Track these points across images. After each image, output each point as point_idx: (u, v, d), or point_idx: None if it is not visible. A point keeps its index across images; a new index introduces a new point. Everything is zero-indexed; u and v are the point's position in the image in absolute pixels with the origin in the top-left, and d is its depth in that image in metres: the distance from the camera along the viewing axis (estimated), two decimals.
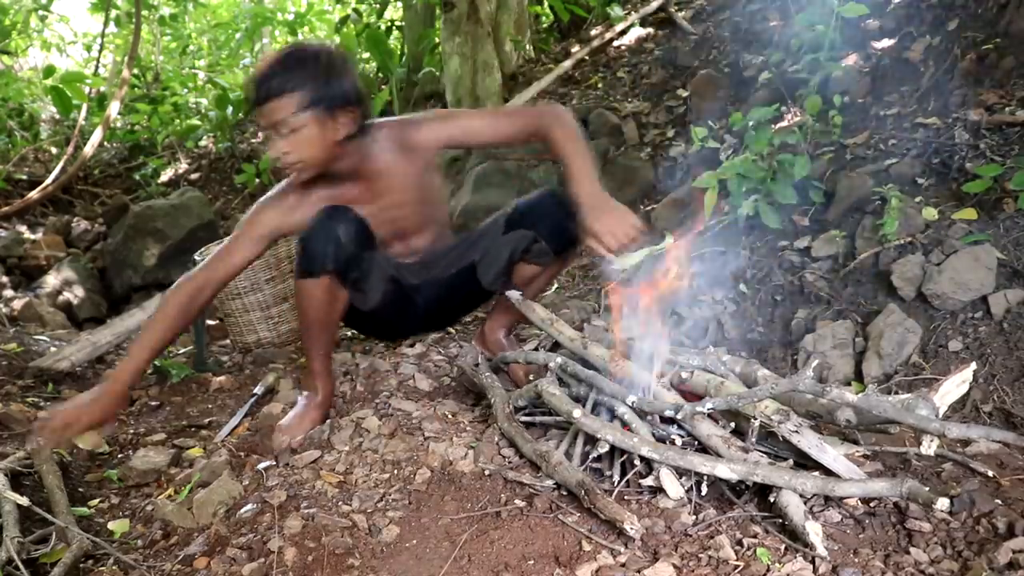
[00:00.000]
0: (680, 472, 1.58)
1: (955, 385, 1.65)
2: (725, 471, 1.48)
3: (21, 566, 1.42)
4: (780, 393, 1.57)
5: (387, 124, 2.00)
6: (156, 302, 3.09)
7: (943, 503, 1.33)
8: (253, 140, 6.67)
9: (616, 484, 1.63)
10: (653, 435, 1.65)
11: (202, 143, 6.83)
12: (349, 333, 3.00)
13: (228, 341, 3.09)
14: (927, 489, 1.37)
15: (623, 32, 5.34)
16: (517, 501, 1.62)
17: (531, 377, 2.13)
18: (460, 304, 2.40)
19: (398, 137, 1.98)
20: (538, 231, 2.09)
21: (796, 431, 1.52)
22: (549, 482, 1.66)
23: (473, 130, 2.02)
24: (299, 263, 1.91)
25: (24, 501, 1.52)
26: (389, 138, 1.97)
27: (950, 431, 1.47)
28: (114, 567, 1.44)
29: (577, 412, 1.68)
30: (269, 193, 2.00)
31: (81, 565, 1.52)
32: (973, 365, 1.67)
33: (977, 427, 1.54)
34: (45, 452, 1.72)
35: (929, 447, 1.50)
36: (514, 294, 2.13)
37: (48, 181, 5.62)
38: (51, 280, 4.49)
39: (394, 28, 6.61)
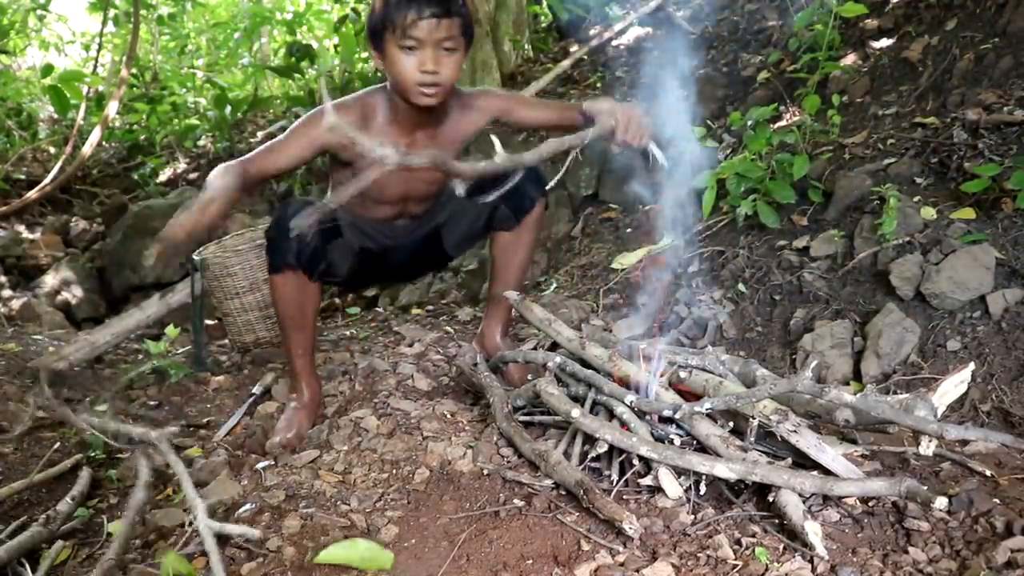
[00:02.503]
0: (679, 471, 1.58)
1: (953, 385, 1.65)
2: (724, 470, 1.49)
3: None
4: (779, 393, 1.57)
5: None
6: (155, 303, 3.09)
7: (941, 502, 1.33)
8: (252, 140, 6.67)
9: (615, 483, 1.63)
10: (652, 435, 1.65)
11: (200, 143, 6.82)
12: (348, 332, 3.00)
13: (227, 341, 3.09)
14: (925, 488, 1.37)
15: (622, 31, 5.34)
16: (516, 500, 1.62)
17: (529, 377, 2.13)
18: (426, 264, 2.39)
19: (461, 99, 1.99)
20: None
21: (795, 431, 1.53)
22: (548, 481, 1.66)
23: (524, 108, 2.06)
24: (267, 260, 1.92)
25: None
26: (455, 97, 1.97)
27: (948, 432, 1.47)
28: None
29: (576, 412, 1.68)
30: (335, 102, 1.95)
31: (79, 563, 1.52)
32: (971, 365, 1.67)
33: (975, 429, 1.54)
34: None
35: (927, 447, 1.50)
36: (512, 294, 2.13)
37: (46, 181, 5.61)
38: (49, 280, 4.48)
39: None
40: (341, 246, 2.03)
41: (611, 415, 1.75)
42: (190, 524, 1.50)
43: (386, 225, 2.13)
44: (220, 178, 1.75)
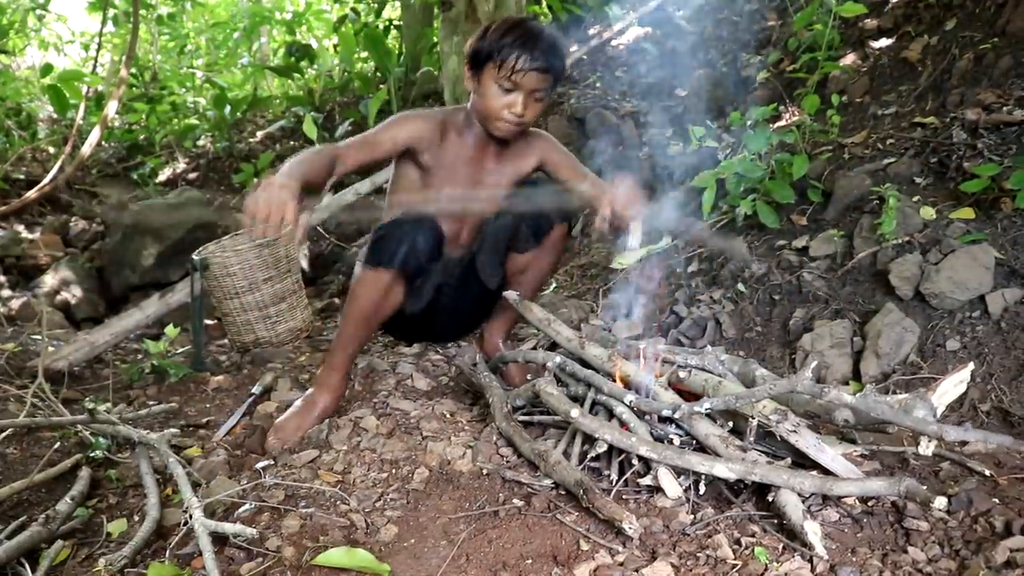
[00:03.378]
0: (678, 471, 1.58)
1: (953, 385, 1.65)
2: (723, 470, 1.49)
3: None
4: (778, 393, 1.57)
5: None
6: (155, 302, 3.09)
7: (941, 502, 1.33)
8: (251, 140, 6.67)
9: (614, 483, 1.63)
10: (651, 434, 1.65)
11: (200, 143, 6.82)
12: None
13: (226, 341, 3.09)
14: (925, 488, 1.37)
15: (621, 31, 5.34)
16: (515, 500, 1.62)
17: (528, 377, 2.13)
18: (470, 308, 2.40)
19: (528, 135, 2.11)
20: (520, 213, 2.13)
21: (794, 431, 1.52)
22: (547, 481, 1.66)
23: (565, 172, 2.18)
24: (370, 252, 1.94)
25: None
26: (526, 133, 2.10)
27: (947, 434, 1.47)
28: (110, 565, 1.44)
29: (575, 412, 1.68)
30: (417, 111, 2.12)
31: (78, 563, 1.52)
32: (971, 365, 1.67)
33: (974, 431, 1.54)
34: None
35: (927, 447, 1.50)
36: (511, 294, 2.13)
37: (46, 180, 5.61)
38: (49, 280, 4.48)
39: (392, 27, 6.61)
40: (437, 272, 2.11)
41: (611, 415, 1.75)
42: (185, 524, 1.50)
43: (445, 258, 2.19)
44: (299, 165, 1.73)
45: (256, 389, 2.32)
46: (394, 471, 1.75)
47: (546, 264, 2.25)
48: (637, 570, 1.35)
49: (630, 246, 1.82)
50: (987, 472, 1.62)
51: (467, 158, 2.08)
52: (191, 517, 1.47)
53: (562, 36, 2.01)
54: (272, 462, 1.83)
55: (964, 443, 1.81)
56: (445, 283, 2.25)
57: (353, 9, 6.72)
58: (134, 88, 6.98)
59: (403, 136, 2.04)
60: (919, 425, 1.49)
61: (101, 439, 1.98)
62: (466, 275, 2.25)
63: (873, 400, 1.51)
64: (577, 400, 1.82)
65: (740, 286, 2.72)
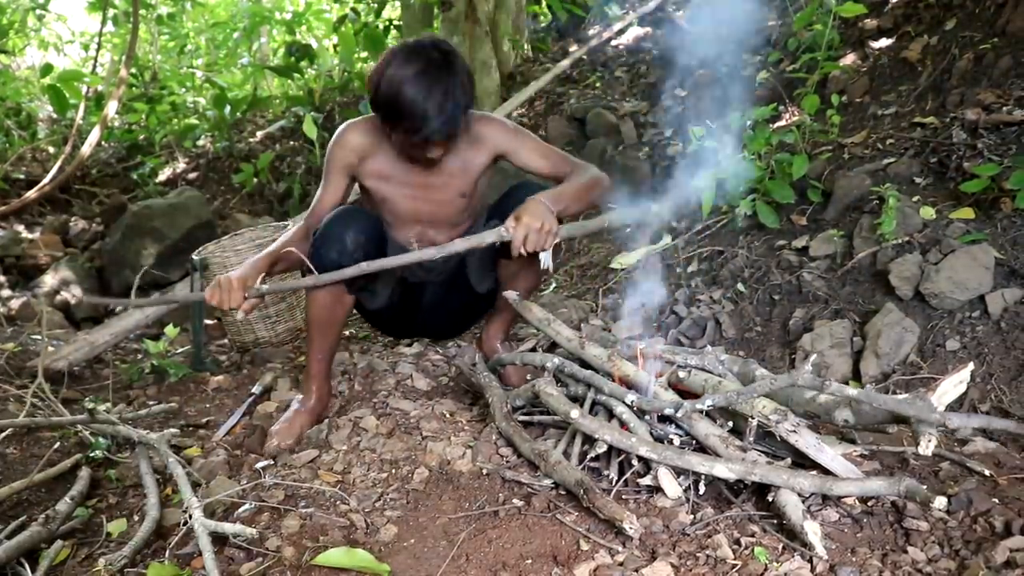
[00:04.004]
0: (678, 471, 1.58)
1: (953, 385, 1.65)
2: (723, 470, 1.49)
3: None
4: (779, 388, 1.57)
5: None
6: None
7: (940, 502, 1.33)
8: (251, 140, 6.67)
9: (614, 483, 1.63)
10: (651, 434, 1.65)
11: (200, 142, 6.82)
12: (347, 332, 3.00)
13: (226, 341, 3.09)
14: (924, 488, 1.37)
15: (621, 31, 5.34)
16: (515, 500, 1.62)
17: (528, 377, 2.13)
18: (459, 308, 2.39)
19: (471, 126, 2.01)
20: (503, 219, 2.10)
21: (794, 431, 1.52)
22: (547, 481, 1.66)
23: (529, 153, 2.07)
24: (311, 262, 1.94)
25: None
26: (469, 124, 2.01)
27: (951, 420, 1.47)
28: (110, 565, 1.44)
29: (575, 412, 1.68)
30: (347, 125, 2.03)
31: (78, 563, 1.52)
32: (971, 365, 1.67)
33: (977, 416, 1.53)
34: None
35: (926, 446, 1.50)
36: (511, 294, 2.13)
37: (46, 180, 5.61)
38: (49, 280, 4.48)
39: (392, 27, 6.61)
40: (384, 270, 2.05)
41: (610, 415, 1.75)
42: (185, 524, 1.50)
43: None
44: (265, 253, 1.96)
45: (256, 389, 2.32)
46: (394, 471, 1.75)
47: (537, 266, 2.22)
48: (637, 570, 1.35)
49: (545, 264, 1.86)
50: (987, 472, 1.62)
51: (410, 163, 2.02)
52: (191, 517, 1.47)
53: (462, 63, 1.84)
54: (272, 462, 1.83)
55: (964, 443, 1.81)
56: (431, 283, 2.25)
57: (353, 9, 6.72)
58: (134, 88, 6.97)
59: (341, 164, 2.02)
60: (922, 412, 1.48)
61: (101, 439, 1.98)
62: (454, 276, 2.25)
63: (875, 393, 1.51)
64: (577, 400, 1.81)
65: (740, 286, 2.72)
